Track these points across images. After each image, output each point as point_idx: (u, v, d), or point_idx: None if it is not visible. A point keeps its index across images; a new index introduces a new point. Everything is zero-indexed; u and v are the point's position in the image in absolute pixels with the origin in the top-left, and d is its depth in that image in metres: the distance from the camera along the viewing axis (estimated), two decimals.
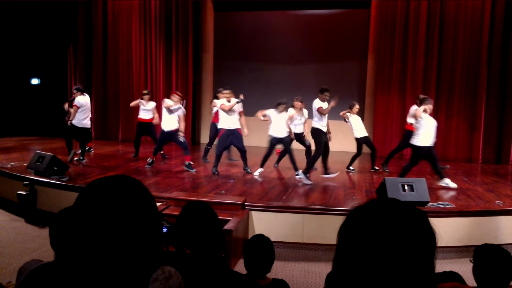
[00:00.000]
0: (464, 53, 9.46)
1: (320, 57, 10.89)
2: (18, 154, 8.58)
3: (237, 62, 11.37)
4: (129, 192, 0.95)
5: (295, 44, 10.98)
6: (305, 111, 7.68)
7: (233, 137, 7.03)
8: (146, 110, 8.57)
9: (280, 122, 7.00)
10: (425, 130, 6.19)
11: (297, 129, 7.55)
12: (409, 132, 7.29)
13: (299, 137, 7.60)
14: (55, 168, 6.29)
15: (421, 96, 7.19)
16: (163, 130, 7.36)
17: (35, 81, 12.23)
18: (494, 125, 9.40)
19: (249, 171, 7.21)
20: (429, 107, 6.27)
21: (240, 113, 7.28)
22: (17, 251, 4.66)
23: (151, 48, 11.42)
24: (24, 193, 5.89)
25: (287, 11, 11.09)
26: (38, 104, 12.10)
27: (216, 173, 7.07)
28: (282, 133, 7.00)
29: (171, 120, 7.29)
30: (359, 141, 7.72)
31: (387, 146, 10.01)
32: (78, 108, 7.74)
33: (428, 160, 6.38)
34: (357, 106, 7.77)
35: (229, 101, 7.04)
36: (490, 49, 9.30)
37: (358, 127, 7.72)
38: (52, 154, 6.45)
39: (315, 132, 6.81)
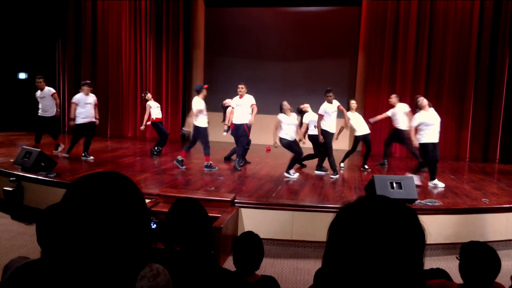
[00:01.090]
0: (453, 52, 9.56)
1: (310, 54, 10.91)
2: (5, 149, 8.46)
3: (228, 58, 11.34)
4: (117, 188, 0.94)
5: (286, 41, 10.99)
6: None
7: (239, 132, 7.37)
8: (158, 108, 8.70)
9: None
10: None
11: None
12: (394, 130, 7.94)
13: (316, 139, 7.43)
14: (43, 164, 6.21)
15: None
16: (199, 127, 7.03)
17: (22, 75, 12.04)
18: (481, 124, 9.52)
19: (239, 168, 7.23)
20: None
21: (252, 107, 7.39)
22: (3, 248, 4.60)
23: (141, 44, 11.32)
24: (10, 189, 5.80)
25: (278, 8, 11.09)
26: (25, 99, 11.90)
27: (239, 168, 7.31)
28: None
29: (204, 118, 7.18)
30: (358, 139, 7.74)
31: (376, 144, 10.05)
32: None
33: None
34: (352, 102, 7.81)
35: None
36: (478, 48, 9.40)
37: (358, 125, 7.72)
38: (39, 149, 6.38)
39: (323, 133, 6.95)
